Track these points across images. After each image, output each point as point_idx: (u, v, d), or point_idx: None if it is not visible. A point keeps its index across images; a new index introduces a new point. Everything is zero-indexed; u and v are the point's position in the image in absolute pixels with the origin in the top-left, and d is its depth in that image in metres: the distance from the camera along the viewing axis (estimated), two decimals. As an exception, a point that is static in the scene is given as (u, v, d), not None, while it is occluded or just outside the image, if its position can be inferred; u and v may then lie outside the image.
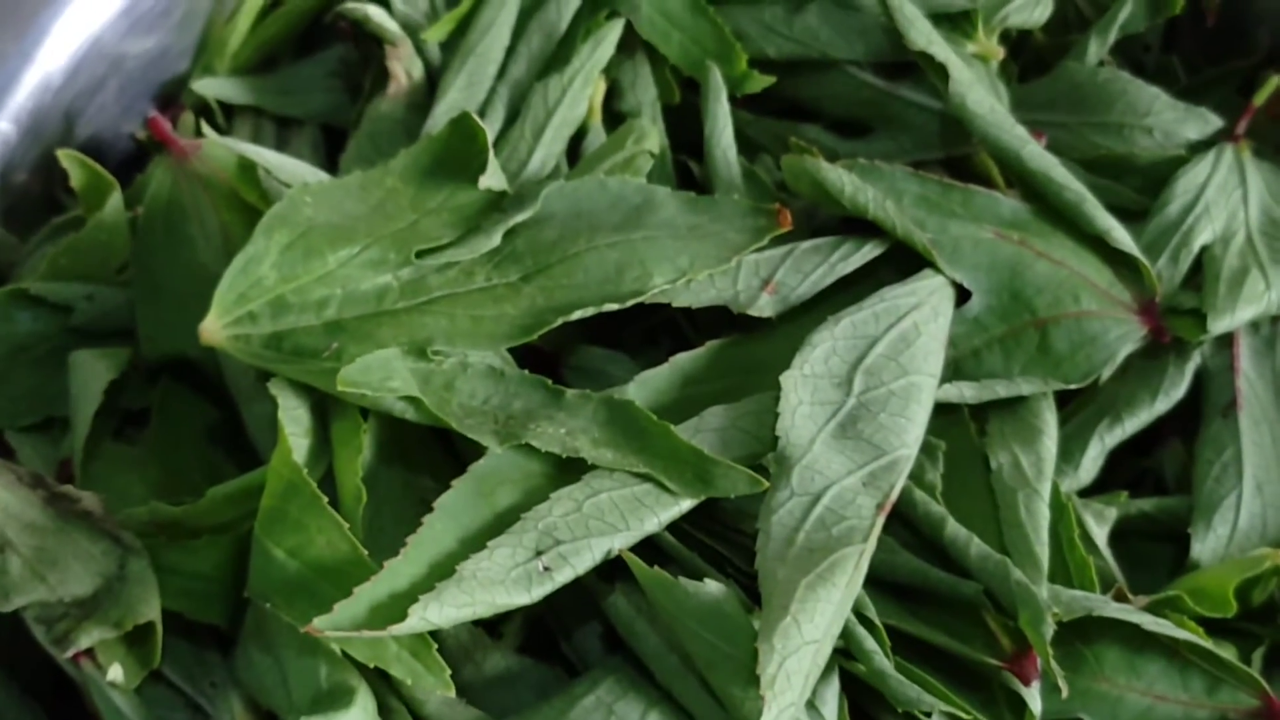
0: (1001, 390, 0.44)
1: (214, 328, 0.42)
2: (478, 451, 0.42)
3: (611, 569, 0.39)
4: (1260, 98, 0.53)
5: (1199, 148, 0.51)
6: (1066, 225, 0.47)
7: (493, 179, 0.44)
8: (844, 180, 0.44)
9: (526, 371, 0.41)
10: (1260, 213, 0.50)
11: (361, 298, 0.42)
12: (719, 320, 0.44)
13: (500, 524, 0.37)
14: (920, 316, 0.42)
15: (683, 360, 0.43)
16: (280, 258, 0.42)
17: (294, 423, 0.40)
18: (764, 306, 0.43)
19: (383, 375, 0.40)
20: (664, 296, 0.42)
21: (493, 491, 0.39)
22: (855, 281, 0.44)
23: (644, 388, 0.42)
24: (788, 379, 0.40)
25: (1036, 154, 0.47)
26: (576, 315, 0.41)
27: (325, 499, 0.38)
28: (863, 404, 0.40)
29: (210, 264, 0.47)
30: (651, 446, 0.38)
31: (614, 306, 0.41)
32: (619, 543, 0.37)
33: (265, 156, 0.48)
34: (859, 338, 0.41)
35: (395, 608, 0.35)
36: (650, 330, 0.48)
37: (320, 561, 0.38)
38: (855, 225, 0.45)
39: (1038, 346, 0.45)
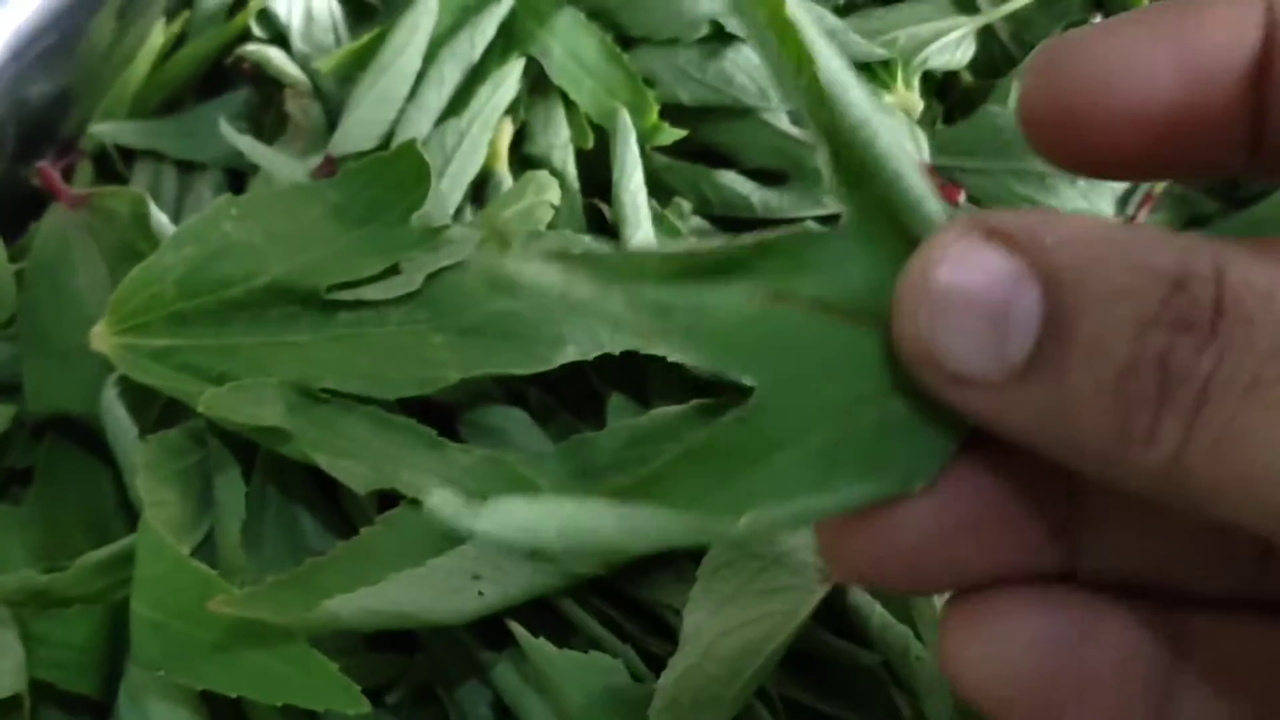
0: None
1: (104, 334, 0.41)
2: (362, 510, 0.41)
3: (499, 635, 0.37)
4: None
5: (1126, 199, 0.49)
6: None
7: (432, 213, 0.42)
8: None
9: (414, 421, 0.39)
10: None
11: (265, 325, 0.41)
12: (629, 375, 0.43)
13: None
14: None
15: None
16: (187, 273, 0.41)
17: (166, 485, 0.39)
18: None
19: (252, 403, 0.38)
20: None
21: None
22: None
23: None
24: None
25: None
26: (477, 373, 0.40)
27: (198, 566, 0.37)
28: None
29: (98, 318, 0.45)
30: None
31: (519, 372, 0.40)
32: (550, 580, 0.36)
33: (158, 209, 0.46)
34: None
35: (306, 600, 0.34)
36: (552, 385, 0.47)
37: (203, 617, 0.36)
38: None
39: None
